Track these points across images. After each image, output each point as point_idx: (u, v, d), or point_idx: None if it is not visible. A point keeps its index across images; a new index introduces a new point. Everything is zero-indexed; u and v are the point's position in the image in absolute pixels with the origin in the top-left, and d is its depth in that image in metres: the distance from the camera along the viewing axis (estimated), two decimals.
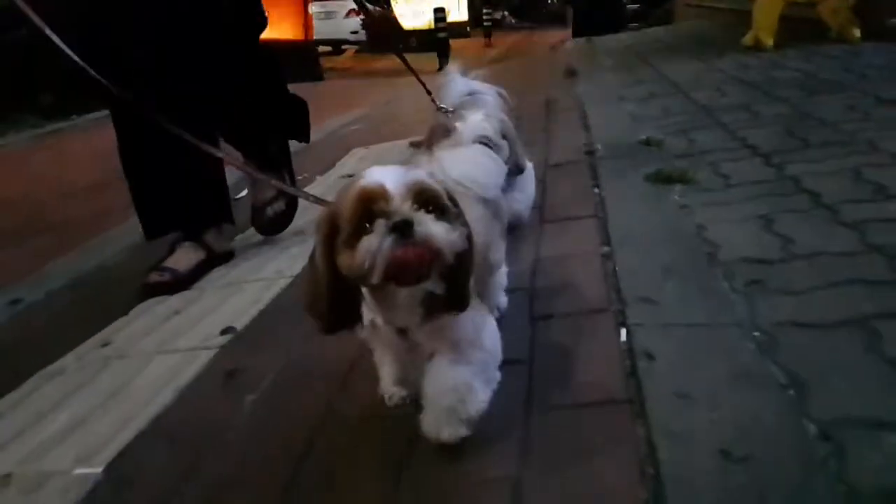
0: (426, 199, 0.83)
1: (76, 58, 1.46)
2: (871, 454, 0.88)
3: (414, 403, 1.06)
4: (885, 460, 0.86)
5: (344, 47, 18.76)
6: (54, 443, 1.20)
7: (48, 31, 1.45)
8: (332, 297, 0.87)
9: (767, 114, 2.89)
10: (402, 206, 0.81)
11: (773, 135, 2.51)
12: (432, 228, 0.81)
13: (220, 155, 1.70)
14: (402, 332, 0.96)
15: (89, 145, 1.46)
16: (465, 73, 2.07)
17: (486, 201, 1.14)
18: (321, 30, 13.24)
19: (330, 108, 6.11)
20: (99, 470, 1.10)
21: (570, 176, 2.40)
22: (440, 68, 9.79)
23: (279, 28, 8.47)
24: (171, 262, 1.92)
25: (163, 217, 1.98)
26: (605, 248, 1.67)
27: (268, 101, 2.20)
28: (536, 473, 0.93)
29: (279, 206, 2.18)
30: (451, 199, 0.88)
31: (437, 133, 1.44)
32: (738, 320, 1.24)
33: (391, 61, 12.85)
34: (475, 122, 1.63)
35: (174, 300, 1.81)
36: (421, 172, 0.86)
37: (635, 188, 2.11)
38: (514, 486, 0.91)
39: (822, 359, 1.10)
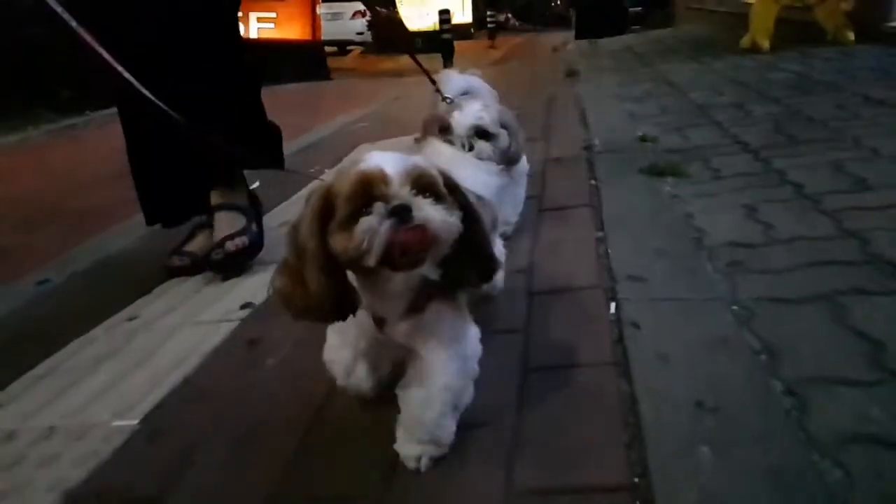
0: (424, 184, 0.83)
1: (111, 59, 1.48)
2: (830, 406, 0.99)
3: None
4: (842, 411, 0.97)
5: (349, 48, 18.89)
6: (92, 400, 1.32)
7: (75, 25, 1.46)
8: (324, 280, 0.84)
9: (759, 112, 3.00)
10: (401, 191, 0.81)
11: (764, 132, 2.62)
12: (430, 213, 0.81)
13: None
14: (380, 322, 0.95)
15: (105, 139, 1.53)
16: (461, 71, 2.13)
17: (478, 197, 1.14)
18: (327, 31, 13.37)
19: (337, 106, 6.23)
20: (136, 422, 1.21)
21: (569, 169, 2.51)
22: (444, 67, 9.92)
23: (288, 29, 8.60)
24: (191, 247, 2.02)
25: (174, 205, 2.01)
26: (599, 234, 1.79)
27: (255, 113, 2.15)
28: (531, 424, 1.04)
29: (241, 240, 1.90)
30: (450, 185, 0.88)
31: (432, 125, 1.46)
32: (718, 295, 1.35)
33: (396, 62, 12.95)
34: (473, 110, 1.69)
35: (195, 279, 1.92)
36: (420, 159, 0.87)
37: (630, 180, 2.22)
38: (513, 431, 1.02)
39: (792, 328, 1.21)
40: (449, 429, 0.99)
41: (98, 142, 1.37)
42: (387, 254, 0.80)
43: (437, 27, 11.97)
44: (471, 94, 1.96)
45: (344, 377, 1.08)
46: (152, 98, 1.46)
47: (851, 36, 4.68)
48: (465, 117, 1.67)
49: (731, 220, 1.75)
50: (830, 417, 0.96)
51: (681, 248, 1.62)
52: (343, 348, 1.06)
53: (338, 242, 0.81)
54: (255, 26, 8.90)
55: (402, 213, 0.79)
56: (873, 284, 1.31)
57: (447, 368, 0.95)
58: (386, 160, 0.84)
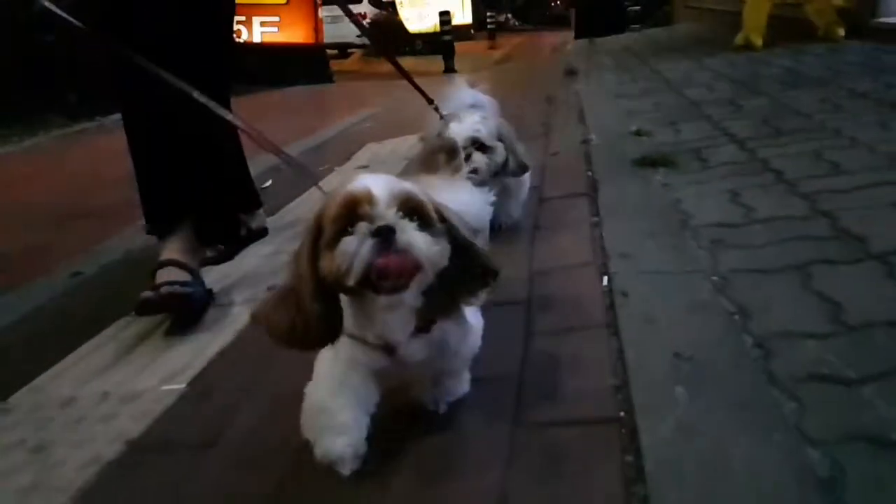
0: (412, 208, 0.82)
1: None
2: (791, 354, 1.14)
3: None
4: (801, 357, 1.12)
5: (350, 51, 19.07)
6: (140, 370, 1.47)
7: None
8: (314, 306, 0.83)
9: (749, 107, 3.15)
10: (387, 212, 0.80)
11: (751, 125, 2.77)
12: (415, 238, 0.80)
13: (240, 125, 1.58)
14: (390, 349, 0.93)
15: (116, 143, 1.63)
16: (472, 84, 2.25)
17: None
18: (328, 33, 13.53)
19: (342, 107, 6.39)
20: (183, 385, 1.37)
21: (567, 162, 2.67)
22: (445, 70, 10.07)
23: (291, 32, 8.76)
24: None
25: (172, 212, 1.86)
26: (594, 218, 1.94)
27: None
28: (533, 374, 1.20)
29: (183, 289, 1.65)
30: (440, 213, 0.87)
31: (436, 152, 1.36)
32: (700, 268, 1.50)
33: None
34: (470, 122, 1.73)
35: (221, 269, 2.07)
36: (409, 184, 0.86)
37: (624, 171, 2.37)
38: (518, 380, 1.18)
39: (764, 293, 1.36)
40: (464, 384, 1.13)
41: (110, 145, 1.45)
42: (366, 276, 0.79)
43: (438, 29, 12.14)
44: (476, 108, 2.01)
45: (334, 443, 0.97)
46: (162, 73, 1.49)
47: (841, 32, 4.82)
48: (462, 129, 1.71)
49: (716, 204, 1.90)
50: (790, 363, 1.11)
51: (668, 229, 1.77)
52: (339, 412, 0.97)
53: (324, 264, 0.81)
54: (258, 30, 9.08)
55: (384, 235, 0.78)
56: (839, 255, 1.46)
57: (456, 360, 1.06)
58: (374, 181, 0.83)
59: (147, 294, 1.60)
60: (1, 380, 1.53)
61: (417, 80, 2.31)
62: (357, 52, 18.87)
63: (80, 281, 2.27)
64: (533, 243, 1.86)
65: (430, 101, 2.18)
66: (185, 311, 1.66)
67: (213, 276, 1.98)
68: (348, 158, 3.79)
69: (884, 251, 1.43)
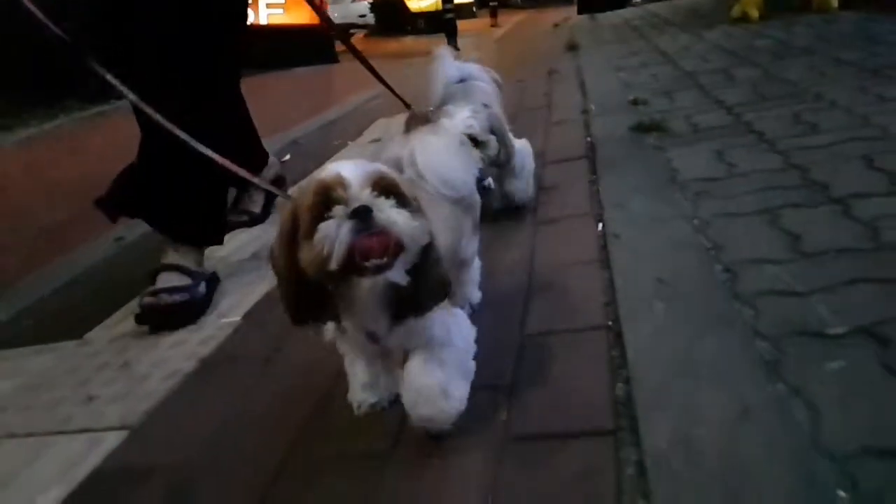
0: (386, 187, 0.82)
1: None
2: (754, 277, 1.35)
3: (385, 408, 1.12)
4: (762, 279, 1.34)
5: (352, 31, 19.12)
6: None
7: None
8: (296, 293, 0.85)
9: (740, 76, 3.33)
10: (362, 193, 0.80)
11: (740, 92, 2.96)
12: (393, 215, 0.79)
13: (218, 159, 1.48)
14: (373, 337, 0.95)
15: (134, 125, 1.76)
16: (456, 56, 2.07)
17: (454, 201, 1.13)
18: (330, 14, 13.65)
19: (349, 86, 6.55)
20: (238, 318, 1.60)
21: (568, 129, 2.87)
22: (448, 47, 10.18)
23: (297, 14, 8.90)
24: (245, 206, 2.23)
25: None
26: (593, 176, 2.15)
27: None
28: (536, 300, 1.42)
29: (181, 296, 1.68)
30: (412, 192, 0.88)
31: (415, 122, 1.36)
32: (683, 215, 1.71)
33: (399, 44, 13.15)
34: (462, 118, 1.67)
35: (244, 235, 2.28)
36: (381, 165, 0.86)
37: (620, 136, 2.57)
38: (524, 299, 1.40)
39: (737, 233, 1.57)
40: (456, 400, 1.00)
41: (128, 127, 1.57)
42: (349, 258, 0.78)
43: (440, 6, 12.22)
44: (464, 89, 1.93)
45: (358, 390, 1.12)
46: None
47: (835, 3, 4.96)
48: (454, 125, 1.66)
49: (702, 162, 2.11)
50: (752, 282, 1.32)
51: (658, 183, 1.98)
52: (358, 363, 1.10)
53: (304, 254, 0.80)
54: (264, 13, 9.22)
55: (362, 215, 0.78)
56: (804, 200, 1.67)
57: (441, 367, 0.98)
58: (345, 166, 0.83)
59: (148, 300, 1.63)
60: (69, 325, 1.76)
61: (420, 59, 2.40)
62: (359, 33, 18.96)
63: (124, 245, 2.51)
64: (537, 200, 2.07)
65: (408, 106, 2.13)
66: (184, 319, 1.65)
67: (246, 237, 2.20)
68: (360, 134, 3.99)
69: (843, 195, 1.64)
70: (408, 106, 2.13)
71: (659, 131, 2.57)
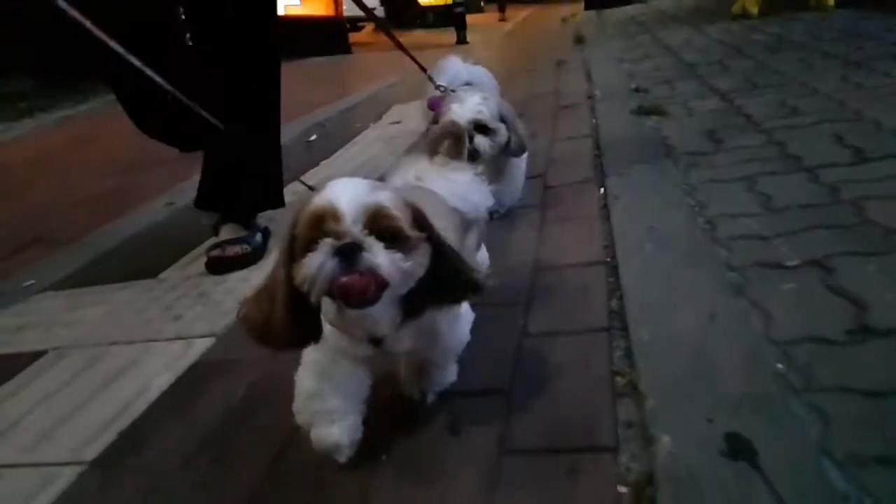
0: (381, 224, 0.78)
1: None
2: (731, 227, 1.61)
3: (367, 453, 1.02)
4: (737, 228, 1.59)
5: (360, 24, 19.32)
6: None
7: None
8: (288, 308, 0.81)
9: (736, 67, 3.58)
10: (353, 229, 0.77)
11: (734, 82, 3.22)
12: (379, 259, 0.77)
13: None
14: (376, 340, 0.91)
15: None
16: (464, 59, 2.14)
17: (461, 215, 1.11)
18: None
19: (364, 76, 6.81)
20: None
21: (575, 112, 3.13)
22: (458, 41, 10.42)
23: (313, 5, 9.15)
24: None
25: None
26: (596, 151, 2.41)
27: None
28: (545, 241, 1.69)
29: (241, 247, 1.93)
30: (421, 220, 0.84)
31: (444, 137, 1.30)
32: (675, 182, 1.98)
33: (409, 37, 13.37)
34: (472, 104, 1.69)
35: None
36: (384, 194, 0.81)
37: (622, 118, 2.83)
38: (534, 258, 1.67)
39: (720, 194, 1.83)
40: (451, 374, 1.12)
41: None
42: (330, 293, 0.78)
43: (449, 0, 12.44)
44: (472, 86, 1.98)
45: (327, 429, 0.98)
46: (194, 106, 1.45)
47: (831, 1, 5.20)
48: (464, 111, 1.69)
49: (694, 140, 2.37)
50: (728, 230, 1.59)
51: (654, 157, 2.24)
52: (331, 397, 0.97)
53: (296, 272, 0.78)
54: (281, 3, 9.45)
55: (347, 255, 0.76)
56: (779, 169, 1.93)
57: (445, 352, 1.06)
58: (344, 192, 0.80)
59: (215, 253, 1.88)
60: (142, 269, 2.02)
61: (431, 52, 2.45)
62: (369, 26, 19.17)
63: (174, 209, 2.77)
64: (547, 169, 2.34)
65: (425, 70, 2.22)
66: (246, 265, 1.90)
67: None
68: (380, 117, 4.25)
69: (812, 165, 1.90)
70: (424, 70, 2.20)
71: (658, 114, 2.82)
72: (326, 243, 0.77)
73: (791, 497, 0.81)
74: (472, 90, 1.78)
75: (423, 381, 1.09)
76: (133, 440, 1.18)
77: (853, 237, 1.44)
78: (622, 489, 0.87)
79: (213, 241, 1.98)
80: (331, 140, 3.60)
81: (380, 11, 18.80)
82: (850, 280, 1.27)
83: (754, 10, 5.44)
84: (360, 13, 17.83)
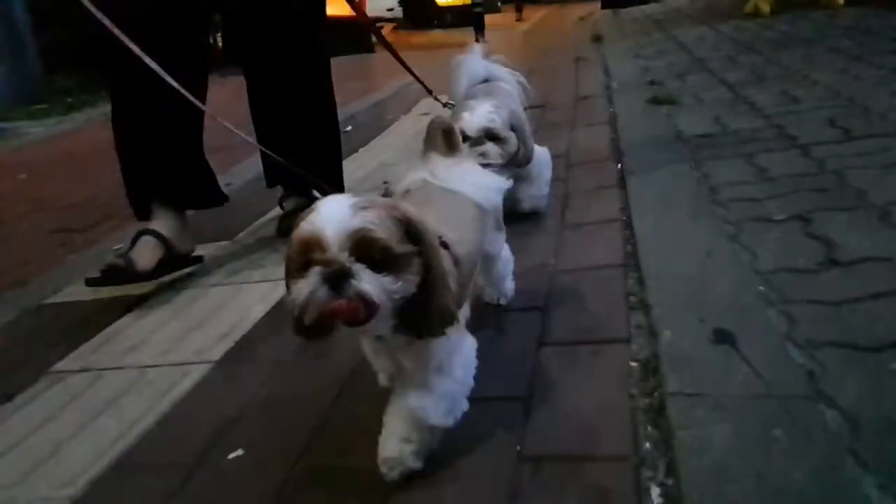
0: (367, 248, 0.80)
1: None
2: (731, 193, 1.88)
3: None
4: (736, 194, 1.86)
5: (379, 24, 19.66)
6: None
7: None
8: (297, 318, 0.83)
9: (744, 62, 3.84)
10: (339, 256, 0.79)
11: (742, 75, 3.48)
12: (365, 285, 0.78)
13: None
14: (380, 337, 0.93)
15: (211, 98, 2.14)
16: (485, 54, 2.10)
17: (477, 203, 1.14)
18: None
19: (389, 73, 7.12)
20: None
21: (593, 103, 3.41)
22: (476, 41, 10.73)
23: (337, 5, 9.47)
24: (133, 254, 1.83)
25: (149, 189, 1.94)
26: (613, 135, 2.69)
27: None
28: (570, 213, 1.97)
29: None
30: (413, 231, 0.85)
31: (434, 132, 1.23)
32: (683, 158, 2.25)
33: (427, 37, 13.62)
34: (482, 112, 1.69)
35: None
36: (370, 214, 0.81)
37: (637, 107, 3.11)
38: (563, 200, 1.96)
39: (722, 167, 2.10)
40: (430, 438, 0.98)
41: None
42: (320, 319, 0.80)
43: (468, 0, 12.74)
44: (487, 88, 1.97)
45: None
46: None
47: (841, 0, 5.43)
48: (475, 118, 1.68)
49: (702, 124, 2.64)
50: (728, 195, 1.85)
51: (666, 140, 2.52)
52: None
53: (289, 295, 0.82)
54: None
55: (334, 282, 0.78)
56: (776, 147, 2.20)
57: (430, 394, 0.95)
58: (329, 219, 0.80)
59: (285, 223, 1.96)
60: (216, 236, 2.33)
61: (452, 51, 2.32)
62: (387, 25, 19.53)
63: (231, 189, 3.08)
64: (569, 148, 2.62)
65: (430, 92, 2.23)
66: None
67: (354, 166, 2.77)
68: (409, 110, 4.55)
69: (806, 143, 2.17)
70: (429, 92, 2.21)
71: (670, 104, 3.10)
72: (315, 271, 0.79)
73: (762, 367, 1.08)
74: (484, 98, 1.77)
75: (405, 444, 0.97)
76: (245, 347, 1.48)
77: (832, 197, 1.71)
78: (633, 364, 1.16)
79: (277, 211, 2.29)
80: (365, 131, 3.90)
81: (398, 12, 19.23)
82: (825, 228, 1.54)
83: (766, 8, 5.68)
84: (383, 13, 18.22)
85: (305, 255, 0.80)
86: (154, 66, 1.56)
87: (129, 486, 1.09)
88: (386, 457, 0.97)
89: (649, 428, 1.01)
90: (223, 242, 2.23)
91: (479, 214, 1.14)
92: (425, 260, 0.85)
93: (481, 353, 1.03)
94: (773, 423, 0.95)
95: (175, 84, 1.59)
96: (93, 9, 1.50)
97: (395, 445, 0.96)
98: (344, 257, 0.79)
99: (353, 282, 0.78)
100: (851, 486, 0.84)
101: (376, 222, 0.81)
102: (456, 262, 0.96)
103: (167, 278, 1.89)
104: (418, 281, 0.84)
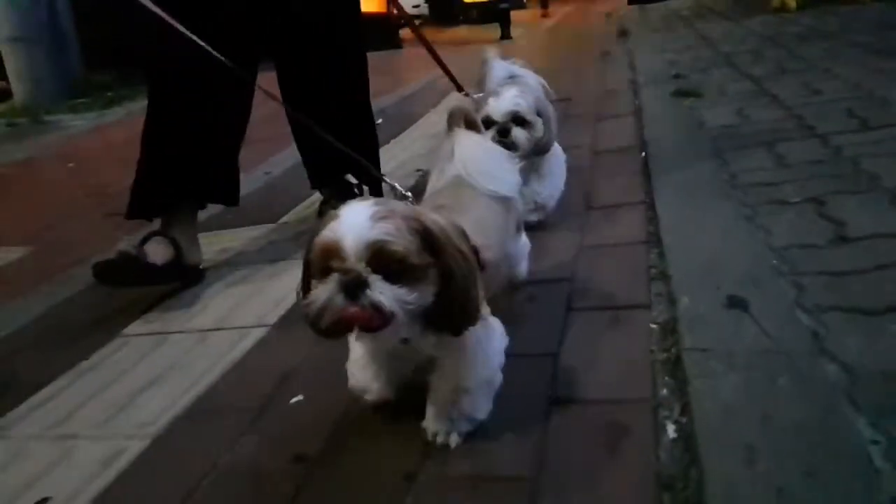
0: (384, 260, 0.82)
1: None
2: (749, 177, 1.97)
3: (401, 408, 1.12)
4: (754, 178, 1.96)
5: (404, 21, 19.78)
6: None
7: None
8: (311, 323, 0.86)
9: (769, 55, 3.91)
10: (356, 266, 0.81)
11: (766, 68, 3.55)
12: (380, 296, 0.81)
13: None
14: (405, 339, 0.95)
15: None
16: (504, 57, 2.06)
17: (500, 199, 1.18)
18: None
19: (418, 68, 7.26)
20: None
21: (619, 95, 3.51)
22: (502, 37, 10.80)
23: (367, 2, 9.64)
24: (146, 250, 1.82)
25: (167, 189, 1.89)
26: (638, 126, 2.79)
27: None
28: (596, 194, 2.09)
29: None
30: (431, 242, 0.86)
31: (457, 116, 1.26)
32: (706, 148, 2.35)
33: (452, 33, 13.76)
34: (509, 96, 1.71)
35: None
36: (389, 226, 0.83)
37: (662, 99, 3.20)
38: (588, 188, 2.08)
39: (742, 156, 2.19)
40: (482, 409, 1.05)
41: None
42: (337, 326, 0.84)
43: None
44: (514, 82, 1.93)
45: (365, 391, 1.13)
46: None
47: None
48: (501, 103, 1.71)
49: (725, 115, 2.73)
50: (747, 179, 1.95)
51: (690, 130, 2.61)
52: (367, 366, 1.10)
53: (307, 300, 0.86)
54: None
55: (351, 291, 0.81)
56: (795, 136, 2.29)
57: (472, 371, 1.01)
58: (349, 229, 0.83)
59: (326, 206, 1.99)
60: (259, 219, 2.48)
61: (476, 47, 2.44)
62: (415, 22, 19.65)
63: (271, 177, 3.25)
64: (595, 136, 2.73)
65: (461, 89, 2.15)
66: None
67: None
68: (437, 104, 4.67)
69: (824, 132, 2.25)
70: (460, 88, 2.12)
71: (695, 96, 3.19)
72: (333, 279, 0.82)
73: (770, 328, 1.19)
74: (510, 86, 1.78)
75: (452, 411, 1.03)
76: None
77: (845, 181, 1.81)
78: (653, 326, 1.28)
79: (318, 195, 2.44)
80: (396, 123, 4.04)
81: (424, 9, 19.37)
82: (837, 209, 1.64)
83: (792, 3, 5.71)
84: (412, 11, 18.35)
85: (325, 261, 0.84)
86: (214, 52, 1.51)
87: (205, 426, 1.24)
88: (432, 430, 1.05)
89: (666, 378, 1.13)
90: (269, 224, 2.38)
91: (505, 214, 1.20)
92: (445, 269, 0.87)
93: (514, 318, 1.16)
94: (778, 374, 1.07)
95: (228, 63, 1.52)
96: (149, 4, 1.49)
97: (439, 426, 1.04)
98: (361, 267, 0.82)
99: (369, 291, 0.81)
100: (846, 425, 0.96)
101: (394, 234, 0.83)
102: (483, 267, 0.99)
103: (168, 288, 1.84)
104: (435, 291, 0.87)
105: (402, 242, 0.83)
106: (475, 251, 0.97)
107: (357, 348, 1.09)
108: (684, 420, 1.02)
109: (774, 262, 1.45)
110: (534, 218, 1.84)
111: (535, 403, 1.12)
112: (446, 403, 1.03)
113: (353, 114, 2.26)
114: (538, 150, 1.77)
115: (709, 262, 1.47)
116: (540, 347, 1.28)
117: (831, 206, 1.67)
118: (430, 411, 1.06)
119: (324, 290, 0.82)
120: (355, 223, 0.83)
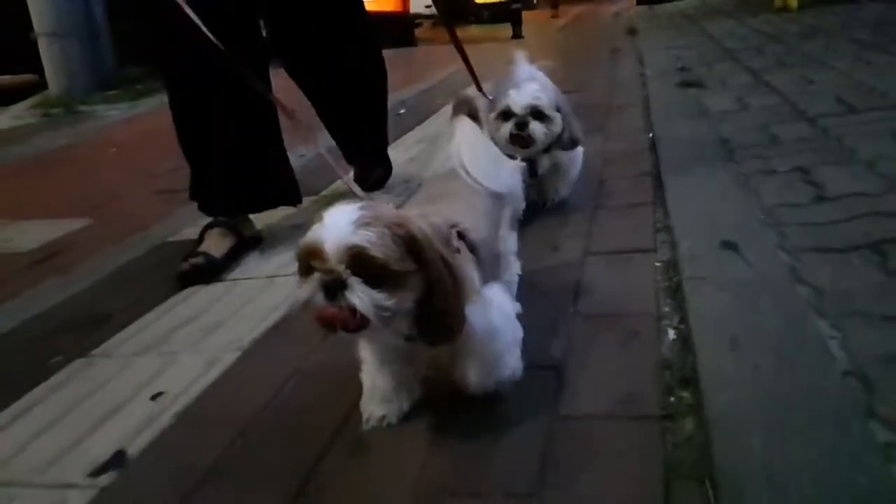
0: (362, 264, 0.84)
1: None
2: (747, 153, 2.22)
3: (392, 424, 1.10)
4: (750, 153, 2.21)
5: (418, 21, 20.02)
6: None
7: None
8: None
9: (769, 51, 4.14)
10: (337, 267, 0.84)
11: (766, 62, 3.79)
12: (355, 299, 0.83)
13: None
14: (411, 336, 0.96)
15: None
16: (531, 60, 2.04)
17: (493, 194, 1.20)
18: None
19: (433, 65, 7.51)
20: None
21: (628, 87, 3.76)
22: (513, 36, 11.04)
23: (384, 1, 9.91)
24: (205, 248, 1.96)
25: (227, 196, 2.04)
26: (645, 112, 3.04)
27: None
28: (607, 168, 2.34)
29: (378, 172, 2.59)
30: (416, 249, 0.87)
31: (461, 108, 1.30)
32: (706, 129, 2.59)
33: (465, 32, 13.99)
34: (529, 90, 1.73)
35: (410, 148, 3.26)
36: (370, 233, 0.84)
37: (668, 90, 3.45)
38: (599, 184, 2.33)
39: (742, 135, 2.43)
40: (514, 362, 1.09)
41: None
42: (317, 321, 0.87)
43: None
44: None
45: (374, 400, 1.11)
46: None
47: None
48: (521, 96, 1.73)
49: (725, 102, 2.98)
50: (745, 154, 2.20)
51: (694, 115, 2.85)
52: (379, 371, 1.09)
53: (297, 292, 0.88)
54: None
55: (330, 291, 0.84)
56: (788, 119, 2.53)
57: (487, 353, 1.04)
58: (331, 232, 0.85)
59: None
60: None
61: (489, 45, 2.63)
62: (426, 22, 19.91)
63: (304, 161, 3.50)
64: (605, 123, 2.98)
65: (480, 89, 2.08)
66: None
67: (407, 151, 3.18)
68: (455, 95, 4.92)
69: (814, 115, 2.50)
70: (479, 88, 2.04)
71: (698, 87, 3.43)
72: (315, 278, 0.86)
73: (756, 263, 1.44)
74: (530, 80, 1.80)
75: (467, 376, 1.06)
76: None
77: (829, 154, 2.05)
78: (657, 264, 1.53)
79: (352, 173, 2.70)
80: (416, 114, 4.29)
81: (431, 10, 19.59)
82: (820, 176, 1.89)
83: (794, 2, 5.93)
84: (424, 10, 18.61)
85: (308, 261, 0.88)
86: (234, 58, 1.55)
87: (284, 339, 1.49)
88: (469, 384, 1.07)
89: (668, 300, 1.38)
90: (312, 197, 2.64)
91: (493, 206, 1.21)
92: (428, 275, 0.89)
93: (537, 265, 1.41)
94: (760, 294, 1.31)
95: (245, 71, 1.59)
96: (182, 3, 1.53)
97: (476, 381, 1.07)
98: (341, 269, 0.84)
99: (347, 293, 0.84)
100: (812, 325, 1.20)
101: (374, 241, 0.84)
102: (472, 248, 1.02)
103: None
104: (417, 298, 0.89)
105: (382, 249, 0.84)
106: (461, 235, 1.01)
107: (366, 353, 1.09)
108: (682, 326, 1.27)
109: (762, 216, 1.70)
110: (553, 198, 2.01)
111: (558, 317, 1.37)
112: (477, 363, 1.05)
113: (362, 104, 2.52)
114: (563, 146, 1.82)
115: (706, 218, 1.72)
116: (562, 280, 1.53)
117: (814, 173, 1.92)
118: (464, 369, 1.06)
119: (306, 288, 0.87)
120: (337, 227, 0.86)
